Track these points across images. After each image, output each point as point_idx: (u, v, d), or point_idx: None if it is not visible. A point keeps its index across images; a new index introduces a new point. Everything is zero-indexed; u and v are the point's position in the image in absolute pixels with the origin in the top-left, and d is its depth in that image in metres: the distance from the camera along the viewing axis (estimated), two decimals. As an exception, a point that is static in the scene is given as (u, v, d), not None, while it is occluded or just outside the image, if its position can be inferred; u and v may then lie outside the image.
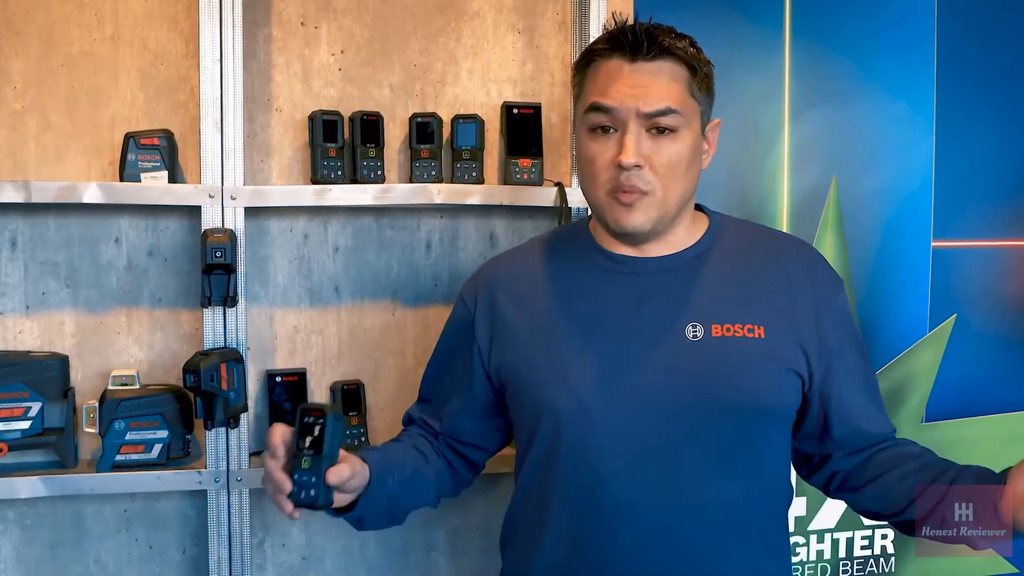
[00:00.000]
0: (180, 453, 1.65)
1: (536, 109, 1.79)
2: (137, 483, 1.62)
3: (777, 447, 1.24)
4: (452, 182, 1.76)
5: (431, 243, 1.85)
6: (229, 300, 1.61)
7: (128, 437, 1.60)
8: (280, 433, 1.09)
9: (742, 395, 1.18)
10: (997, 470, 1.14)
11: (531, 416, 1.23)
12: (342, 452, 1.11)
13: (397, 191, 1.69)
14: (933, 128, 1.94)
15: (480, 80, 1.84)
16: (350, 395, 1.77)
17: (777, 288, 1.23)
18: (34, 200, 1.55)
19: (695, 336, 1.19)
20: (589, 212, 1.31)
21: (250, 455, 1.69)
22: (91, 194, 1.57)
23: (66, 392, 1.61)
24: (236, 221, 1.63)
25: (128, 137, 1.62)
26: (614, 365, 1.19)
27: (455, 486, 1.38)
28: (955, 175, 1.95)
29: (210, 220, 1.62)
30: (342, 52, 1.79)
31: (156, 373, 1.73)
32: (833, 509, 1.93)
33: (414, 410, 1.40)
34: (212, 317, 1.63)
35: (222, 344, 1.64)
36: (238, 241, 1.62)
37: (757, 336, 1.19)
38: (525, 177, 1.76)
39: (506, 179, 1.77)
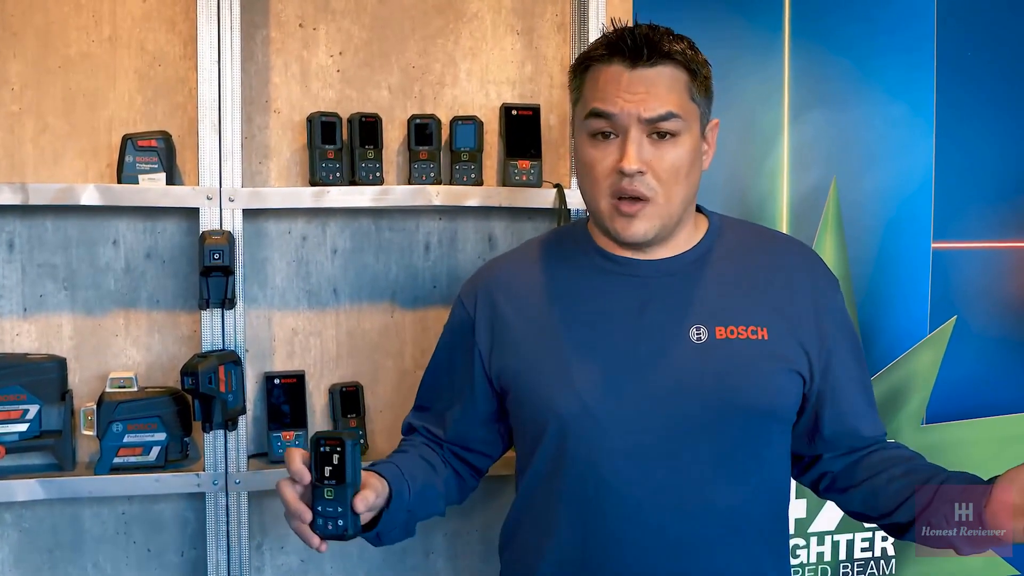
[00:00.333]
0: (178, 456, 1.64)
1: (535, 111, 1.79)
2: (135, 486, 1.61)
3: (779, 448, 1.24)
4: (451, 184, 1.75)
5: (430, 245, 1.84)
6: (227, 302, 1.61)
7: (126, 440, 1.60)
8: (300, 457, 1.06)
9: (748, 397, 1.17)
10: (996, 472, 1.13)
11: (535, 421, 1.22)
12: (362, 475, 1.09)
13: (396, 193, 1.69)
14: (933, 129, 1.93)
15: (479, 82, 1.84)
16: (349, 397, 1.76)
17: (778, 289, 1.23)
18: (32, 202, 1.55)
19: (699, 339, 1.18)
20: (587, 213, 1.31)
21: (248, 457, 1.68)
22: (89, 196, 1.57)
23: (64, 394, 1.61)
24: (234, 223, 1.63)
25: (126, 139, 1.62)
26: (619, 369, 1.18)
27: (461, 493, 1.37)
28: (955, 176, 1.95)
29: (208, 222, 1.61)
30: (340, 54, 1.78)
31: (154, 375, 1.72)
32: (833, 511, 1.93)
33: (414, 419, 1.39)
34: (210, 319, 1.63)
35: (220, 346, 1.63)
36: (236, 243, 1.62)
37: (760, 338, 1.19)
38: (524, 179, 1.76)
39: (505, 181, 1.77)
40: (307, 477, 1.05)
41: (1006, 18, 1.98)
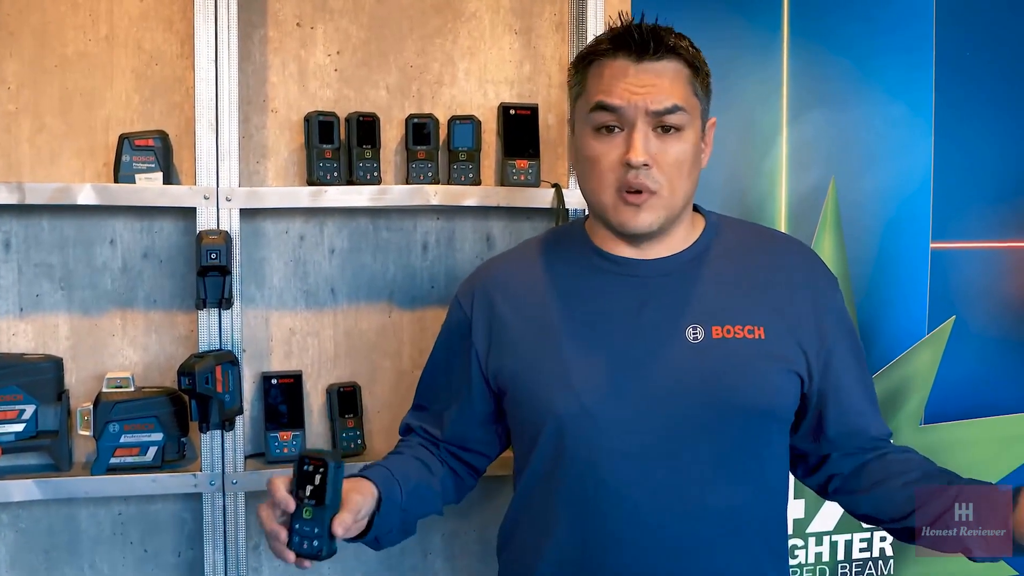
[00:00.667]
0: (175, 456, 1.64)
1: (533, 110, 1.79)
2: (132, 486, 1.61)
3: (777, 448, 1.24)
4: (449, 183, 1.75)
5: (427, 245, 1.84)
6: (224, 302, 1.60)
7: (123, 440, 1.60)
8: (283, 485, 1.07)
9: (744, 397, 1.17)
10: (996, 471, 1.13)
11: (532, 422, 1.22)
12: (345, 488, 1.09)
13: (393, 192, 1.69)
14: (932, 129, 1.93)
15: (477, 81, 1.84)
16: (346, 397, 1.76)
17: (776, 288, 1.23)
18: (28, 201, 1.55)
19: (696, 338, 1.18)
20: (586, 212, 1.30)
21: (246, 458, 1.68)
22: (85, 195, 1.56)
23: (60, 395, 1.61)
24: (231, 223, 1.62)
25: (123, 138, 1.61)
26: (616, 369, 1.18)
27: (459, 492, 1.37)
28: (954, 176, 1.94)
29: (205, 222, 1.61)
30: (338, 53, 1.78)
31: (151, 375, 1.72)
32: (832, 511, 1.93)
33: (412, 419, 1.38)
34: (207, 319, 1.62)
35: (217, 346, 1.63)
36: (233, 243, 1.61)
37: (757, 337, 1.18)
38: (522, 178, 1.76)
39: (503, 180, 1.77)
40: (291, 506, 1.06)
41: (1006, 18, 1.98)
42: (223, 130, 1.61)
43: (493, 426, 1.33)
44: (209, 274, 1.58)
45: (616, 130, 1.16)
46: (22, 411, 1.57)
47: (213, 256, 1.56)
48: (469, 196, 1.72)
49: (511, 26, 1.85)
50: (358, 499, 1.11)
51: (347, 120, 1.71)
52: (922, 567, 1.98)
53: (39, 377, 1.59)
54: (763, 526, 1.22)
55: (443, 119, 1.76)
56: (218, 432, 1.62)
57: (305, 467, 1.06)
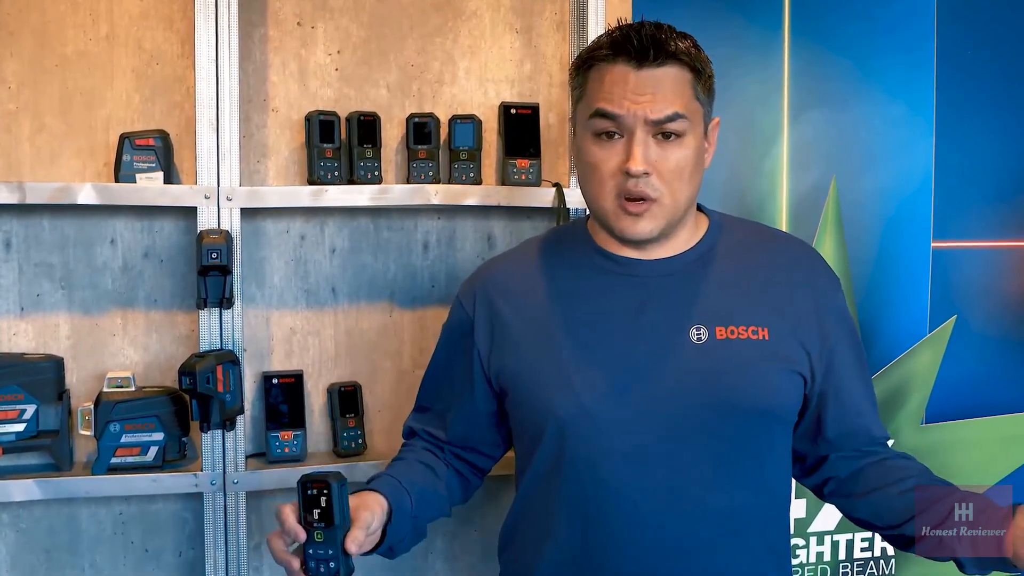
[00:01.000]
0: (176, 456, 1.64)
1: (534, 109, 1.79)
2: (132, 486, 1.61)
3: (780, 449, 1.24)
4: (449, 183, 1.75)
5: (428, 244, 1.84)
6: (225, 302, 1.60)
7: (123, 440, 1.59)
8: (292, 514, 1.08)
9: (748, 398, 1.17)
10: (996, 472, 1.13)
11: (534, 423, 1.22)
12: (352, 505, 1.09)
13: (394, 192, 1.69)
14: (932, 129, 1.93)
15: (478, 80, 1.83)
16: (347, 397, 1.76)
17: (778, 288, 1.23)
18: (28, 201, 1.54)
19: (699, 339, 1.18)
20: (587, 212, 1.30)
21: (246, 457, 1.68)
22: (86, 195, 1.56)
23: (61, 394, 1.60)
24: (232, 222, 1.62)
25: (123, 138, 1.61)
26: (618, 370, 1.18)
27: (465, 493, 1.37)
28: (955, 176, 1.94)
29: (206, 221, 1.61)
30: (339, 52, 1.78)
31: (152, 375, 1.72)
32: (833, 511, 1.93)
33: (415, 422, 1.38)
34: (208, 319, 1.62)
35: (218, 346, 1.63)
36: (234, 242, 1.61)
37: (761, 338, 1.18)
38: (523, 178, 1.76)
39: (504, 180, 1.77)
40: (302, 536, 1.07)
41: (1006, 18, 1.98)
42: (224, 129, 1.61)
43: (496, 427, 1.33)
44: (210, 274, 1.58)
45: (616, 136, 1.16)
46: (23, 411, 1.57)
47: (214, 256, 1.56)
48: (470, 195, 1.72)
49: (512, 25, 1.85)
50: (366, 515, 1.11)
51: (348, 119, 1.71)
52: (923, 567, 1.98)
53: (40, 377, 1.59)
54: (765, 527, 1.22)
55: (444, 118, 1.76)
56: (219, 432, 1.62)
57: (309, 491, 1.06)
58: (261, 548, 1.79)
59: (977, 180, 1.97)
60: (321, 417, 1.80)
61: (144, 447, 1.61)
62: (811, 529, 1.93)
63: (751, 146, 1.88)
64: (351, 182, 1.70)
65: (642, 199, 1.16)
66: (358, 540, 1.07)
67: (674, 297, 1.20)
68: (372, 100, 1.79)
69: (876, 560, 1.98)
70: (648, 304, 1.20)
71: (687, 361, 1.17)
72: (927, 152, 1.93)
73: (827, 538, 1.95)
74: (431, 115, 1.74)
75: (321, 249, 1.79)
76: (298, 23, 1.76)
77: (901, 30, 1.92)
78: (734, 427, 1.17)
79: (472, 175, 1.75)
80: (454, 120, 1.75)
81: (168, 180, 1.63)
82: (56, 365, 1.61)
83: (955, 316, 1.95)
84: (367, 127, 1.70)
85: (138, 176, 1.61)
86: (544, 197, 1.75)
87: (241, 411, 1.63)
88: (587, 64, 1.19)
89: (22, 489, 1.56)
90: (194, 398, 1.57)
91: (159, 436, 1.61)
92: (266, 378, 1.73)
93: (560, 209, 1.74)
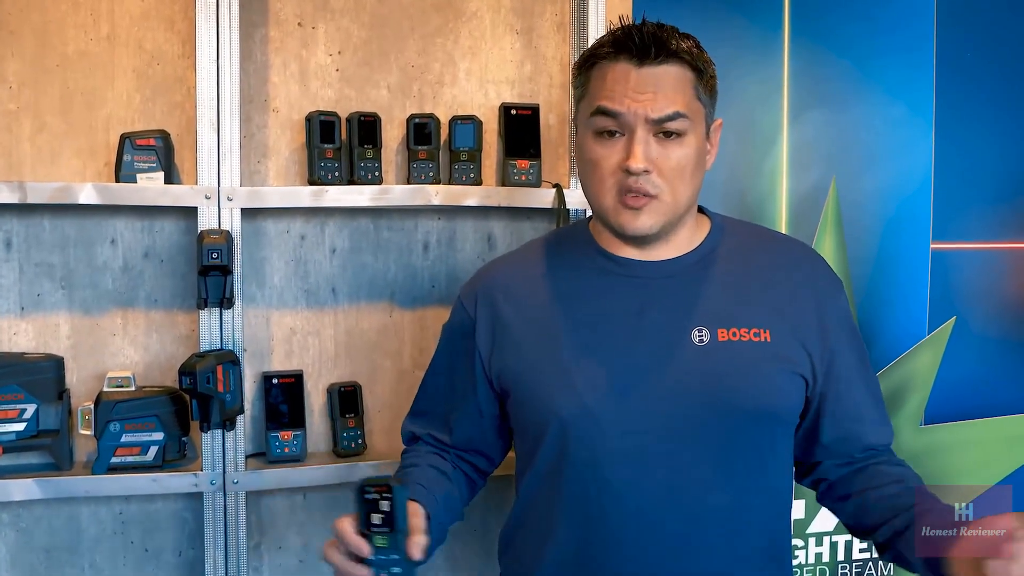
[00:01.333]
0: (176, 455, 1.64)
1: (534, 110, 1.79)
2: (132, 485, 1.61)
3: (781, 450, 1.24)
4: (450, 183, 1.75)
5: (428, 244, 1.84)
6: (225, 302, 1.60)
7: (123, 439, 1.60)
8: (350, 526, 1.04)
9: (750, 399, 1.17)
10: (996, 472, 1.12)
11: (535, 423, 1.22)
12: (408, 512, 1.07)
13: (395, 192, 1.69)
14: (932, 130, 1.93)
15: (478, 81, 1.84)
16: (347, 397, 1.76)
17: (780, 290, 1.22)
18: (29, 201, 1.55)
19: (701, 341, 1.18)
20: (589, 213, 1.30)
21: (246, 457, 1.68)
22: (87, 195, 1.56)
23: (61, 394, 1.61)
24: (232, 222, 1.62)
25: (124, 138, 1.61)
26: (620, 371, 1.17)
27: (471, 496, 1.36)
28: (954, 177, 1.94)
29: (206, 221, 1.61)
30: (339, 53, 1.78)
31: (152, 375, 1.72)
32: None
33: (416, 427, 1.36)
34: (208, 319, 1.62)
35: (218, 346, 1.63)
36: (234, 242, 1.61)
37: (763, 340, 1.18)
38: (523, 178, 1.76)
39: (504, 180, 1.77)
40: (366, 550, 1.03)
41: (1006, 18, 1.98)
42: (224, 130, 1.61)
43: (499, 429, 1.32)
44: (210, 274, 1.58)
45: (617, 134, 1.16)
46: (23, 410, 1.57)
47: (214, 256, 1.56)
48: (470, 196, 1.72)
49: (512, 26, 1.85)
50: (419, 521, 1.09)
51: (348, 120, 1.71)
52: (922, 567, 1.98)
53: (40, 376, 1.59)
54: (766, 528, 1.22)
55: (444, 119, 1.76)
56: (219, 432, 1.62)
57: (368, 496, 1.03)
58: (261, 548, 1.79)
59: (977, 181, 1.97)
60: (321, 417, 1.80)
61: (144, 447, 1.61)
62: (810, 530, 1.94)
63: (751, 146, 1.88)
64: (351, 182, 1.70)
65: (642, 194, 1.16)
66: (422, 544, 1.05)
67: (676, 298, 1.20)
68: (373, 101, 1.79)
69: (875, 561, 1.98)
70: (650, 305, 1.20)
71: (689, 362, 1.17)
72: (927, 153, 1.93)
73: (826, 539, 1.95)
74: (431, 116, 1.74)
75: (321, 249, 1.79)
76: (299, 24, 1.76)
77: (901, 31, 1.92)
78: (735, 428, 1.17)
79: (472, 176, 1.75)
80: (454, 121, 1.75)
81: (169, 180, 1.63)
82: (56, 365, 1.62)
83: (954, 317, 1.95)
84: (367, 128, 1.70)
85: (139, 176, 1.61)
86: (544, 198, 1.75)
87: (241, 411, 1.63)
88: (589, 62, 1.19)
89: (22, 488, 1.56)
90: (194, 398, 1.57)
91: (159, 436, 1.61)
92: (266, 378, 1.73)
93: (560, 210, 1.74)
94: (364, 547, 1.03)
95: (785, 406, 1.20)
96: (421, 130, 1.73)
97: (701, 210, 1.29)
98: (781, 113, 1.89)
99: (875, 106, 1.91)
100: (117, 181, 1.61)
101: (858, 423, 1.25)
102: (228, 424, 1.61)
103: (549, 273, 1.27)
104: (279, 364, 1.78)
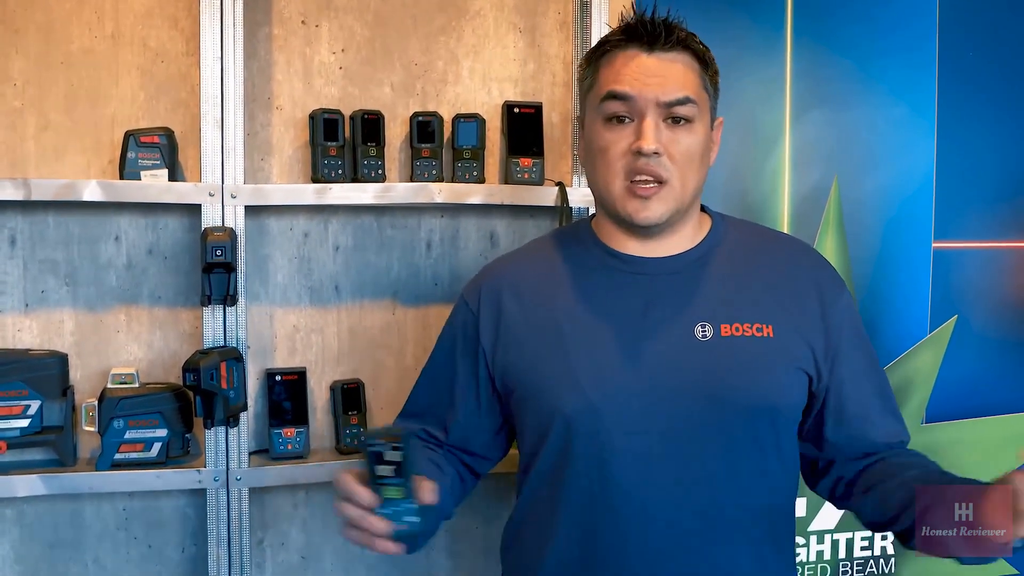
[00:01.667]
0: (179, 452, 1.64)
1: (537, 108, 1.79)
2: (136, 482, 1.61)
3: (785, 446, 1.23)
4: (453, 181, 1.76)
5: (431, 242, 1.84)
6: (229, 299, 1.61)
7: (127, 436, 1.60)
8: (355, 478, 1.03)
9: (753, 394, 1.17)
10: (996, 472, 1.12)
11: (540, 421, 1.21)
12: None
13: (398, 190, 1.69)
14: (934, 130, 1.93)
15: (481, 79, 1.84)
16: (350, 394, 1.76)
17: (782, 287, 1.23)
18: (33, 198, 1.55)
19: (704, 336, 1.18)
20: (591, 212, 1.31)
21: (250, 454, 1.68)
22: (91, 192, 1.57)
23: (65, 390, 1.61)
24: (236, 220, 1.63)
25: (128, 135, 1.62)
26: (624, 367, 1.18)
27: (462, 495, 1.35)
28: (956, 176, 1.95)
29: (210, 218, 1.61)
30: (343, 51, 1.78)
31: (155, 372, 1.73)
32: (833, 510, 1.93)
33: (410, 425, 1.34)
34: (212, 316, 1.63)
35: (222, 343, 1.63)
36: (238, 240, 1.62)
37: (766, 335, 1.18)
38: (526, 176, 1.76)
39: (507, 179, 1.77)
40: (373, 501, 1.02)
41: (1007, 19, 1.98)
42: (228, 127, 1.61)
43: (496, 431, 1.32)
44: (214, 271, 1.58)
45: (627, 120, 1.17)
46: (27, 406, 1.58)
47: (218, 253, 1.56)
48: (473, 194, 1.73)
49: (515, 24, 1.85)
50: (423, 478, 1.07)
51: (352, 118, 1.72)
52: (923, 565, 1.98)
53: (44, 373, 1.59)
54: (770, 525, 1.22)
55: (447, 117, 1.77)
56: (222, 428, 1.62)
57: (374, 447, 1.00)
58: (264, 544, 1.80)
59: (978, 181, 1.97)
60: (324, 414, 1.80)
61: (148, 443, 1.61)
62: (811, 528, 1.94)
63: (753, 146, 1.88)
64: (355, 180, 1.71)
65: (652, 180, 1.16)
66: (433, 488, 1.03)
67: (679, 295, 1.21)
68: (376, 99, 1.79)
69: (876, 559, 1.98)
70: (654, 302, 1.20)
71: (692, 358, 1.17)
72: (928, 153, 1.94)
73: (827, 537, 1.95)
74: (435, 114, 1.74)
75: (325, 247, 1.80)
76: (303, 22, 1.76)
77: (903, 31, 1.92)
78: (739, 424, 1.17)
79: (475, 174, 1.75)
80: (458, 119, 1.75)
81: (173, 177, 1.63)
82: (60, 361, 1.62)
83: (956, 316, 1.96)
84: (371, 125, 1.71)
85: (143, 173, 1.61)
86: (547, 196, 1.76)
87: (244, 408, 1.64)
88: (600, 52, 1.21)
89: (26, 484, 1.57)
90: (198, 395, 1.57)
91: (163, 432, 1.62)
92: (269, 375, 1.74)
93: (563, 208, 1.74)
94: (370, 497, 1.02)
95: (788, 401, 1.21)
96: (424, 128, 1.73)
97: (703, 208, 1.30)
98: (783, 113, 1.89)
99: (877, 106, 1.91)
100: (121, 178, 1.62)
101: (867, 422, 1.26)
102: (231, 421, 1.62)
103: (553, 270, 1.27)
104: (282, 361, 1.79)
